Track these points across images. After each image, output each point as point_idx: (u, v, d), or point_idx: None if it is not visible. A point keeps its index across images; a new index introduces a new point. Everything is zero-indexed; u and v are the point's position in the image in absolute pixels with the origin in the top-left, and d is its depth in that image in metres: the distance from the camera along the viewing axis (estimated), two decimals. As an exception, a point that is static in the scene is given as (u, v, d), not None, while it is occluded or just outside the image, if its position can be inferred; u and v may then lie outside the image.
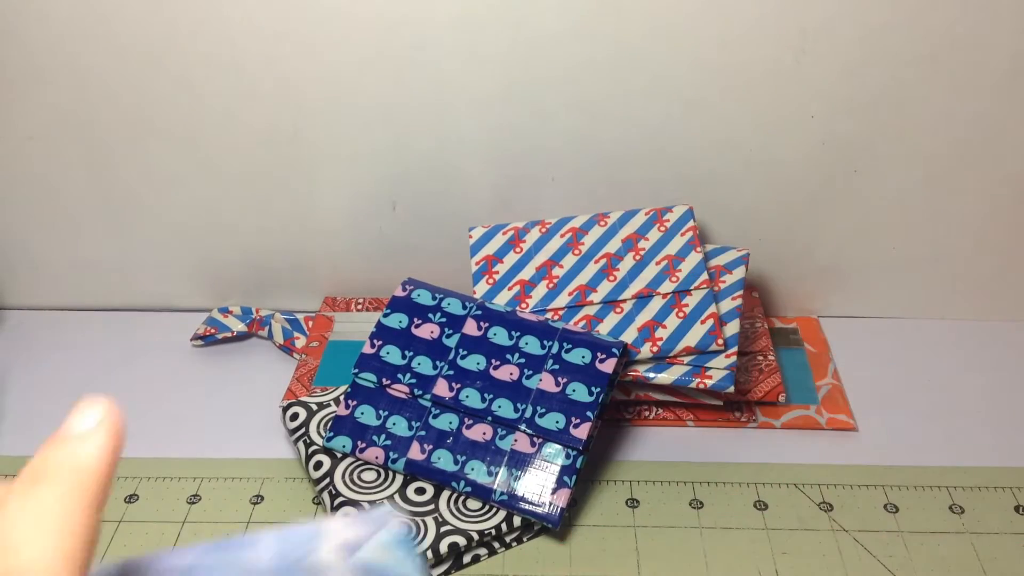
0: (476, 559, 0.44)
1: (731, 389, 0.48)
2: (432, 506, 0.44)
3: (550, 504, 0.44)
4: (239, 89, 0.53)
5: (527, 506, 0.44)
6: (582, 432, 0.46)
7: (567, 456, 0.45)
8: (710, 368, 0.49)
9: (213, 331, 0.59)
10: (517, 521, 0.44)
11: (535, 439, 0.46)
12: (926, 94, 0.51)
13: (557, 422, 0.46)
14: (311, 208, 0.58)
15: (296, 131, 0.55)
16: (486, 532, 0.43)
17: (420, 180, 0.57)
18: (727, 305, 0.52)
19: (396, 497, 0.44)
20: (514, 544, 0.45)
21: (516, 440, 0.46)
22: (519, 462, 0.45)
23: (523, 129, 0.54)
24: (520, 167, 0.56)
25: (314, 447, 0.47)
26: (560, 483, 0.44)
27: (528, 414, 0.46)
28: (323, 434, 0.48)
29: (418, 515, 0.44)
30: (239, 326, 0.59)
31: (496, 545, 0.44)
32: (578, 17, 0.49)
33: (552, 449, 0.45)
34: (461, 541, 0.42)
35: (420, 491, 0.45)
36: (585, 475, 0.48)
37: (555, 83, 0.52)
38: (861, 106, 0.52)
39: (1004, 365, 0.57)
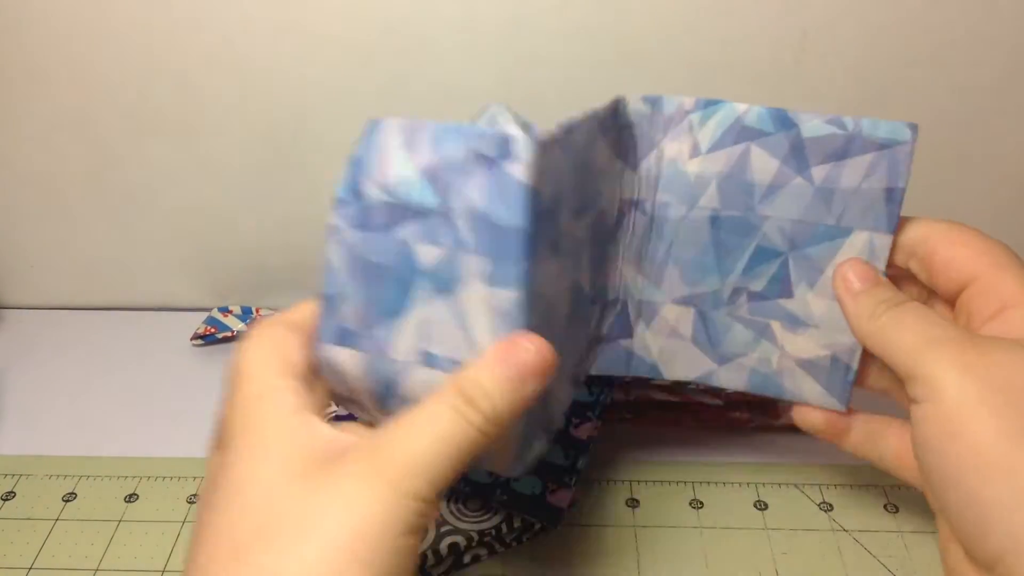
0: (476, 559, 0.44)
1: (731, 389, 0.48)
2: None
3: (550, 505, 0.44)
4: (239, 88, 0.53)
5: (527, 506, 0.44)
6: (582, 432, 0.46)
7: (567, 456, 0.45)
8: None
9: (213, 330, 0.59)
10: (517, 522, 0.44)
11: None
12: (926, 94, 0.51)
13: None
14: (311, 207, 0.58)
15: (296, 130, 0.55)
16: (486, 532, 0.43)
17: (420, 180, 0.57)
18: (727, 305, 0.52)
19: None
20: (514, 544, 0.45)
21: None
22: None
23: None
24: (520, 167, 0.56)
25: None
26: (560, 483, 0.44)
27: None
28: (323, 434, 0.48)
29: None
30: (239, 326, 0.59)
31: (496, 545, 0.44)
32: (578, 17, 0.49)
33: (552, 449, 0.45)
34: (461, 541, 0.43)
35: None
36: (585, 475, 0.48)
37: (555, 83, 0.52)
38: (861, 106, 0.52)
39: (1004, 365, 0.57)
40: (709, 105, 0.36)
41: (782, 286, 0.38)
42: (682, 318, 0.40)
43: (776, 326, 0.39)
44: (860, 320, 0.34)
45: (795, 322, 0.38)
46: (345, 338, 0.34)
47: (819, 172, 0.35)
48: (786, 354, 0.39)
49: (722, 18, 0.49)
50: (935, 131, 0.53)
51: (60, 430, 0.53)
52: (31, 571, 0.44)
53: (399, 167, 0.32)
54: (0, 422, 0.54)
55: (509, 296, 0.30)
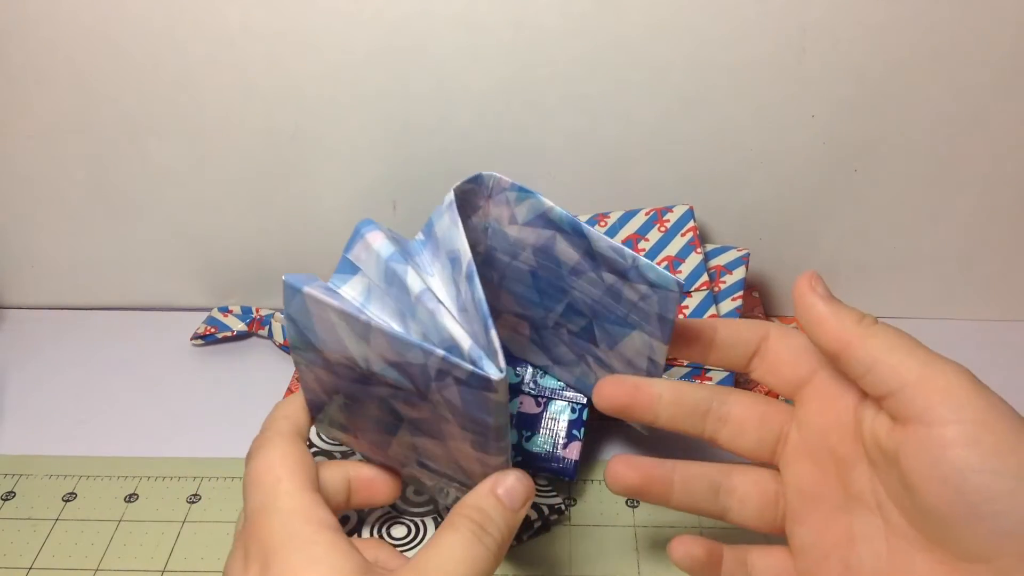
0: (476, 559, 0.44)
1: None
2: (431, 506, 0.44)
3: (563, 458, 0.45)
4: (239, 88, 0.53)
5: (542, 464, 0.45)
6: None
7: (573, 410, 0.46)
8: (710, 370, 0.49)
9: (213, 330, 0.59)
10: (517, 521, 0.44)
11: (539, 398, 0.47)
12: (926, 94, 0.51)
13: (556, 379, 0.47)
14: (311, 207, 0.58)
15: (296, 130, 0.55)
16: (486, 532, 0.43)
17: (420, 179, 0.57)
18: (727, 306, 0.52)
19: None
20: (514, 543, 0.45)
21: (521, 402, 0.47)
22: (528, 423, 0.46)
23: (523, 128, 0.54)
24: (520, 166, 0.56)
25: (314, 448, 0.47)
26: (570, 436, 0.46)
27: (528, 376, 0.47)
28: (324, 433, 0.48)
29: (418, 515, 0.44)
30: (239, 325, 0.59)
31: (496, 545, 0.44)
32: (578, 16, 0.49)
33: (558, 406, 0.47)
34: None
35: (419, 492, 0.45)
36: (585, 475, 0.48)
37: (555, 82, 0.52)
38: (861, 106, 0.52)
39: (1004, 365, 0.57)
40: (522, 191, 0.38)
41: (590, 337, 0.41)
42: (520, 324, 0.44)
43: (590, 359, 0.43)
44: (845, 329, 0.32)
45: (601, 364, 0.42)
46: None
47: (608, 278, 0.37)
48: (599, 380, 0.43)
49: (722, 18, 0.49)
50: (935, 131, 0.53)
51: (60, 430, 0.53)
52: (31, 571, 0.44)
53: (359, 349, 0.33)
54: (0, 422, 0.54)
55: (498, 462, 0.35)
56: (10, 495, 0.48)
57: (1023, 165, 0.54)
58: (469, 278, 0.33)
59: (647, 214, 0.54)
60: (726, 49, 0.50)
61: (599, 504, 0.47)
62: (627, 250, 0.36)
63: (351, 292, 0.36)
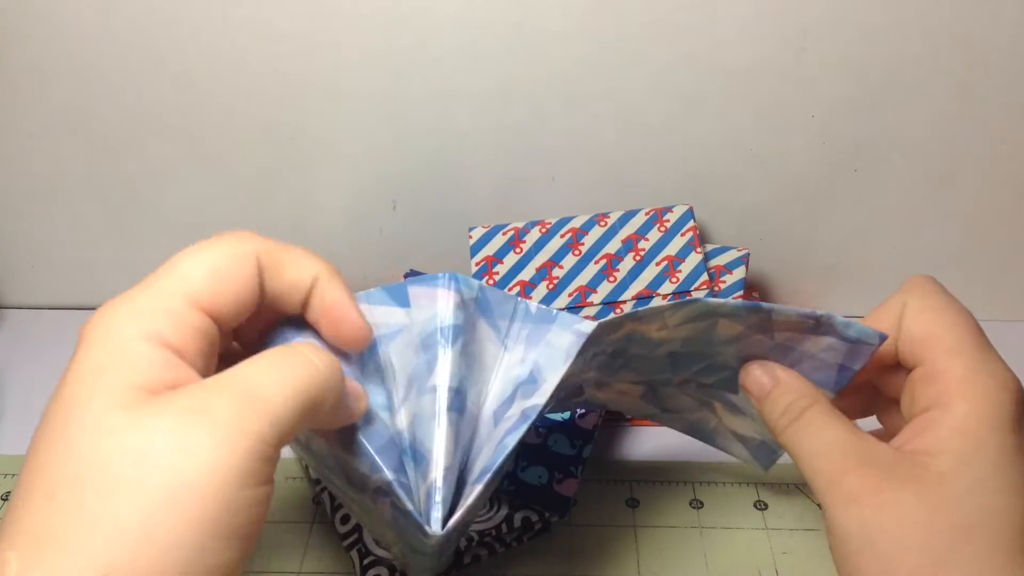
0: (476, 559, 0.44)
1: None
2: None
3: (557, 494, 0.44)
4: (239, 87, 0.53)
5: (534, 496, 0.44)
6: (587, 422, 0.46)
7: (573, 445, 0.45)
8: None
9: (213, 330, 0.59)
10: (517, 521, 0.44)
11: (540, 430, 0.46)
12: (926, 94, 0.51)
13: (562, 413, 0.46)
14: (311, 207, 0.58)
15: (296, 130, 0.55)
16: (486, 532, 0.43)
17: (420, 179, 0.57)
18: (727, 305, 0.52)
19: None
20: (514, 544, 0.45)
21: None
22: (525, 452, 0.45)
23: (523, 128, 0.54)
24: (520, 167, 0.56)
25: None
26: (567, 473, 0.45)
27: None
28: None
29: None
30: (239, 325, 0.59)
31: (496, 545, 0.44)
32: (579, 16, 0.49)
33: (559, 439, 0.46)
34: (461, 542, 0.43)
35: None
36: (585, 475, 0.48)
37: (555, 82, 0.52)
38: (861, 106, 0.52)
39: (1004, 365, 0.57)
40: (685, 303, 0.34)
41: (728, 386, 0.40)
42: (632, 388, 0.42)
43: (718, 406, 0.41)
44: (770, 426, 0.36)
45: (735, 409, 0.41)
46: None
47: (781, 336, 0.36)
48: (723, 424, 0.42)
49: (722, 18, 0.49)
50: (935, 131, 0.53)
51: (60, 430, 0.53)
52: (31, 571, 0.44)
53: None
54: (0, 422, 0.54)
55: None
56: (10, 495, 0.48)
57: (1023, 165, 0.54)
58: (525, 418, 0.31)
59: (647, 214, 0.54)
60: (726, 49, 0.50)
61: (599, 504, 0.47)
62: (817, 311, 0.34)
63: (385, 319, 0.32)
